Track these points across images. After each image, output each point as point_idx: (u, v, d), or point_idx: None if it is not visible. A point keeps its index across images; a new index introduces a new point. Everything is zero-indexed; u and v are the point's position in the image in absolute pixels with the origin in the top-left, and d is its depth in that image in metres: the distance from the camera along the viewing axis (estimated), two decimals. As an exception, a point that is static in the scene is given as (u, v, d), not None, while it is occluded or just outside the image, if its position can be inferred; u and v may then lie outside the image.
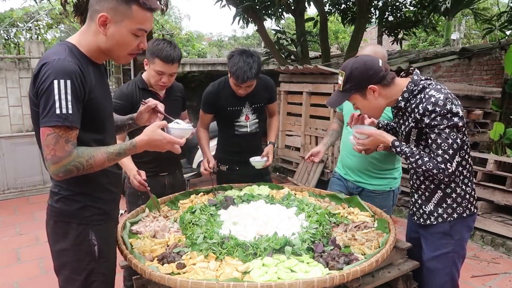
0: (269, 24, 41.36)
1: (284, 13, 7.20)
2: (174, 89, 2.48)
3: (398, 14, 7.74)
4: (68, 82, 1.26)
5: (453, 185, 1.73)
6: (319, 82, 5.41)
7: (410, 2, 7.72)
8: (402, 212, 4.49)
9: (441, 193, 1.75)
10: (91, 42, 1.39)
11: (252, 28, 23.68)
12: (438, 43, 12.22)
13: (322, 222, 1.78)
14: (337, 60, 7.77)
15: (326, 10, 7.55)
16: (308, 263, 1.48)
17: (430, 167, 1.63)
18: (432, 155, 1.63)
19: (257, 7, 6.38)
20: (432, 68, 5.56)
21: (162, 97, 2.38)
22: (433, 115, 1.59)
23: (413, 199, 1.90)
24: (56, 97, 1.24)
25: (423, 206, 1.82)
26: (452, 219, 1.75)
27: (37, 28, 11.91)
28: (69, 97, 1.26)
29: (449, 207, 1.75)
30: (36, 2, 6.63)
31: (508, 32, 7.35)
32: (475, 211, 1.80)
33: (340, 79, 1.71)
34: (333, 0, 7.88)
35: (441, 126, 1.58)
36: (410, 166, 1.74)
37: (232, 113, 2.56)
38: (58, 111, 1.24)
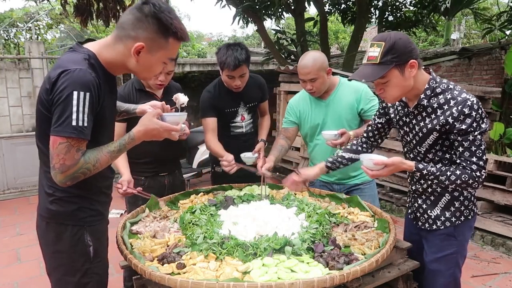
0: (269, 24, 41.37)
1: (284, 13, 7.20)
2: (172, 89, 2.47)
3: (398, 14, 7.73)
4: (87, 94, 1.27)
5: (457, 188, 1.67)
6: (319, 82, 5.40)
7: (410, 2, 7.71)
8: (402, 212, 4.49)
9: (449, 197, 1.72)
10: (115, 59, 1.40)
11: (252, 28, 23.70)
12: (438, 43, 12.23)
13: (322, 222, 1.78)
14: (337, 60, 7.77)
15: (326, 10, 7.55)
16: (308, 263, 1.48)
17: (466, 179, 1.54)
18: (464, 163, 1.55)
19: (257, 7, 6.38)
20: (432, 68, 5.55)
21: (160, 98, 2.38)
22: (469, 120, 1.51)
23: (416, 205, 1.84)
24: (74, 109, 1.24)
25: (428, 211, 1.77)
26: (459, 222, 1.72)
27: (37, 28, 11.90)
28: (86, 110, 1.27)
29: (457, 211, 1.72)
30: (36, 3, 6.62)
31: (508, 32, 7.35)
32: (477, 211, 1.78)
33: (377, 51, 1.52)
34: (333, 0, 7.87)
35: (476, 133, 1.52)
36: (440, 184, 1.61)
37: (228, 114, 2.56)
38: (74, 123, 1.25)
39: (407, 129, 1.75)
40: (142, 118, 1.47)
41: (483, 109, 1.54)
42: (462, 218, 1.73)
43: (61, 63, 1.31)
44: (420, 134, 1.67)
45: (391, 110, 1.84)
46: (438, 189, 1.73)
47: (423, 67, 1.65)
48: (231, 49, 2.33)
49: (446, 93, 1.58)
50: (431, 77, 1.63)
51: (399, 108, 1.78)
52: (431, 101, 1.61)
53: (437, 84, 1.61)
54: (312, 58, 2.21)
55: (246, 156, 2.43)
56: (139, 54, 1.36)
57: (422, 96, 1.61)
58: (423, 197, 1.80)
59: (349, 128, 2.28)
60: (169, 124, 1.48)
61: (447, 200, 1.72)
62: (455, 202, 1.72)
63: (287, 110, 2.53)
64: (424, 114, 1.64)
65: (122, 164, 2.22)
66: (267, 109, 2.80)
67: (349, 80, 1.69)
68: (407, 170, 1.63)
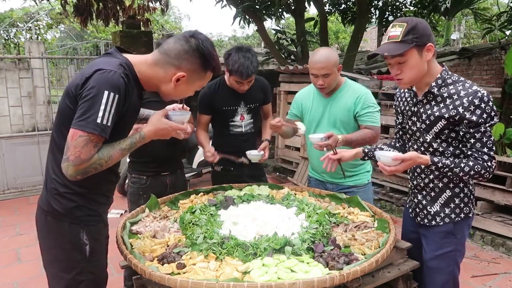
0: (269, 24, 41.38)
1: (284, 13, 7.20)
2: None
3: (398, 14, 7.74)
4: (116, 96, 1.32)
5: (461, 184, 1.73)
6: (319, 82, 5.40)
7: (410, 2, 7.73)
8: (402, 212, 4.49)
9: (450, 193, 1.74)
10: (151, 78, 1.46)
11: (252, 28, 23.69)
12: (438, 43, 12.23)
13: (322, 222, 1.78)
14: (337, 60, 7.75)
15: (326, 10, 7.55)
16: (308, 263, 1.48)
17: (479, 169, 1.58)
18: (476, 154, 1.60)
19: (257, 7, 6.38)
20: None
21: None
22: (479, 111, 1.55)
23: (415, 200, 1.86)
24: (102, 107, 1.29)
25: (428, 207, 1.79)
26: (459, 219, 1.74)
27: (37, 28, 11.92)
28: (113, 111, 1.31)
29: (457, 207, 1.74)
30: (36, 3, 6.63)
31: (508, 32, 7.36)
32: (475, 211, 1.81)
33: (398, 31, 1.58)
34: (333, 0, 7.88)
35: (487, 125, 1.57)
36: (453, 176, 1.67)
37: (227, 113, 2.57)
38: (99, 120, 1.29)
39: (415, 119, 1.77)
40: (151, 118, 1.53)
41: (492, 101, 1.57)
42: (462, 215, 1.75)
43: (98, 63, 1.37)
44: (427, 122, 1.70)
45: (401, 104, 1.88)
46: (440, 185, 1.75)
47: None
48: (243, 57, 2.33)
49: (457, 84, 1.63)
50: (444, 68, 1.68)
51: (408, 99, 1.82)
52: (441, 90, 1.65)
53: (448, 76, 1.66)
54: (326, 53, 2.23)
55: (252, 154, 2.44)
56: (178, 82, 1.45)
57: (433, 84, 1.66)
58: (424, 192, 1.81)
59: (344, 131, 2.29)
60: (177, 123, 1.54)
61: (447, 196, 1.74)
62: (455, 199, 1.74)
63: (292, 103, 2.57)
64: (433, 102, 1.68)
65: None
66: (270, 111, 2.81)
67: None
68: (423, 164, 1.65)
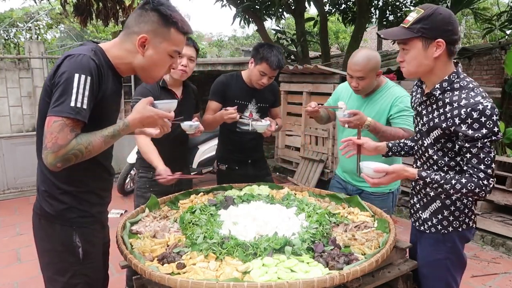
0: (269, 24, 41.36)
1: (284, 13, 7.21)
2: (190, 90, 2.54)
3: (398, 14, 7.74)
4: (89, 78, 1.29)
5: (454, 197, 1.63)
6: (319, 82, 5.42)
7: (410, 2, 7.72)
8: (402, 212, 4.49)
9: (440, 203, 1.66)
10: (123, 57, 1.45)
11: (252, 28, 23.68)
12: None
13: (322, 222, 1.78)
14: (337, 60, 7.78)
15: (326, 10, 7.56)
16: (308, 263, 1.48)
17: (472, 187, 1.45)
18: (472, 171, 1.46)
19: (257, 7, 6.38)
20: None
21: (180, 98, 2.41)
22: (476, 125, 1.43)
23: (411, 202, 1.83)
24: (74, 90, 1.27)
25: (420, 212, 1.75)
26: (446, 231, 1.66)
27: (37, 28, 11.91)
28: (86, 93, 1.29)
29: (444, 219, 1.66)
30: (36, 2, 6.63)
31: (508, 32, 7.36)
32: (473, 225, 1.68)
33: (413, 16, 1.49)
34: (333, 0, 7.88)
35: (485, 140, 1.43)
36: (444, 193, 1.56)
37: (238, 106, 2.56)
38: (72, 104, 1.26)
39: (419, 118, 1.69)
40: (136, 106, 1.48)
41: (497, 115, 1.45)
42: (450, 229, 1.65)
43: (68, 52, 1.36)
44: (427, 126, 1.61)
45: (413, 99, 1.79)
46: (431, 193, 1.68)
47: (454, 61, 1.59)
48: (276, 50, 2.44)
49: (462, 91, 1.50)
50: (454, 70, 1.55)
51: (418, 95, 1.74)
52: (444, 95, 1.54)
53: (457, 80, 1.53)
54: (366, 57, 2.13)
55: (258, 124, 2.45)
56: (144, 47, 1.42)
57: (437, 86, 1.55)
58: (418, 196, 1.77)
59: (371, 133, 2.20)
60: (163, 111, 1.49)
61: (437, 206, 1.67)
62: (444, 211, 1.65)
63: (333, 93, 2.60)
64: (434, 106, 1.58)
65: (155, 157, 2.24)
66: (279, 114, 2.86)
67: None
68: (409, 178, 1.56)
